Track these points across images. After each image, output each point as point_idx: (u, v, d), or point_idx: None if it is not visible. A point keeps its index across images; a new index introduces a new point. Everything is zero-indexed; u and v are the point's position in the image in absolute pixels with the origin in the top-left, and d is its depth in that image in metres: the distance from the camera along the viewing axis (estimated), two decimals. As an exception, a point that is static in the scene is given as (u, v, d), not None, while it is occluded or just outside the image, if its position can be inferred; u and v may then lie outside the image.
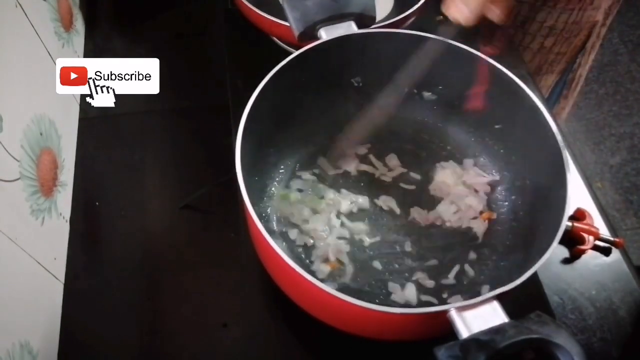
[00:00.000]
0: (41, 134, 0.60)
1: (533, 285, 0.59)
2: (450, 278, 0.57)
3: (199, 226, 0.65)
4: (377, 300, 0.56)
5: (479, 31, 0.43)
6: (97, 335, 0.57)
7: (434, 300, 0.55)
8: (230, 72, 0.78)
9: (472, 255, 0.59)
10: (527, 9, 0.82)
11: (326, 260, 0.58)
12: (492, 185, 0.63)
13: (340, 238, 0.60)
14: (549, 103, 0.99)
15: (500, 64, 0.57)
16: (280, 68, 0.56)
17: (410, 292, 0.56)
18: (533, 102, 0.54)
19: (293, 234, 0.60)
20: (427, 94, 0.67)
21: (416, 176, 0.65)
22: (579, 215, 0.65)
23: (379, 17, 0.65)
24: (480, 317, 0.41)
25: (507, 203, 0.62)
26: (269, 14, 0.70)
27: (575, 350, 0.37)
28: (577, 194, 0.67)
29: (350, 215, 0.62)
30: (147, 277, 0.61)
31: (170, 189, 0.69)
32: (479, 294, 0.54)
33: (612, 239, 0.63)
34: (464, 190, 0.62)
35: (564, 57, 0.89)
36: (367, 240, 0.60)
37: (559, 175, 0.50)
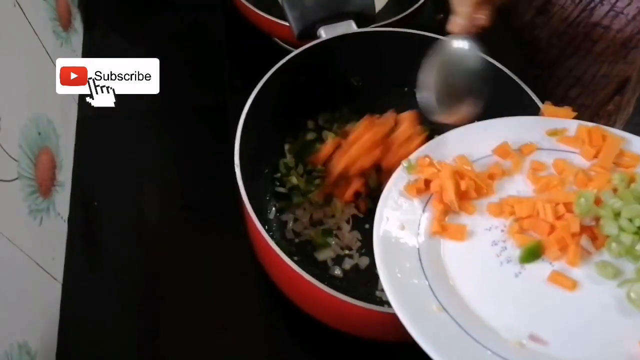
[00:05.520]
0: (39, 134, 0.59)
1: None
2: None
3: (198, 226, 0.65)
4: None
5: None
6: (95, 335, 0.57)
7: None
8: (230, 72, 0.78)
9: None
10: (557, 53, 0.79)
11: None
12: None
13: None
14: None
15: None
16: (279, 67, 0.56)
17: None
18: (534, 102, 0.54)
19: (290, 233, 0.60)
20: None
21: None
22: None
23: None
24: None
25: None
26: (268, 13, 0.70)
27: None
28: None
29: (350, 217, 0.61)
30: (146, 277, 0.60)
31: (170, 189, 0.68)
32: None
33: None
34: None
35: (587, 110, 0.83)
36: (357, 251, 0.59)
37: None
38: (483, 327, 0.35)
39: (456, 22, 0.45)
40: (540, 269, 0.38)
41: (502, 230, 0.40)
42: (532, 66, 0.81)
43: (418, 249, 0.39)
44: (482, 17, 0.44)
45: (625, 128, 0.72)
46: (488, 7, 0.45)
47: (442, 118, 0.48)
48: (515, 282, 0.37)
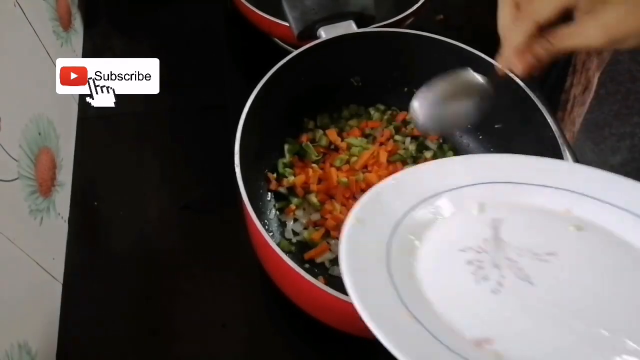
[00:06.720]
0: (39, 134, 0.59)
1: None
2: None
3: (198, 226, 0.65)
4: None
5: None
6: (96, 335, 0.57)
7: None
8: (230, 72, 0.78)
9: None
10: None
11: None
12: None
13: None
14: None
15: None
16: (280, 67, 0.56)
17: None
18: (533, 102, 0.54)
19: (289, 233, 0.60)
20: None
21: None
22: (579, 215, 0.64)
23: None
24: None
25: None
26: (268, 14, 0.70)
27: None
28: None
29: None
30: (146, 277, 0.61)
31: (170, 189, 0.68)
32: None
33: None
34: None
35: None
36: None
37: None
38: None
39: (501, 61, 0.44)
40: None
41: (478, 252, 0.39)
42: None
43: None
44: (519, 67, 0.42)
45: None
46: (530, 56, 0.41)
47: (430, 131, 0.50)
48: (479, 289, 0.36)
